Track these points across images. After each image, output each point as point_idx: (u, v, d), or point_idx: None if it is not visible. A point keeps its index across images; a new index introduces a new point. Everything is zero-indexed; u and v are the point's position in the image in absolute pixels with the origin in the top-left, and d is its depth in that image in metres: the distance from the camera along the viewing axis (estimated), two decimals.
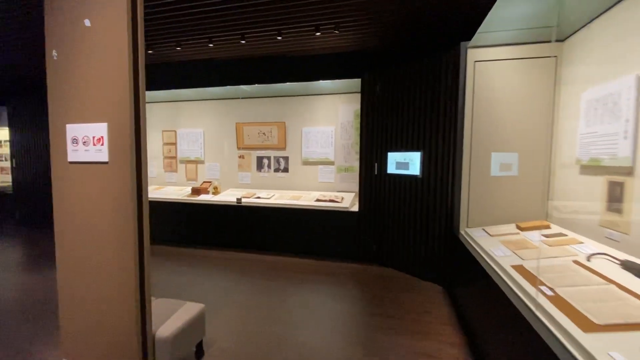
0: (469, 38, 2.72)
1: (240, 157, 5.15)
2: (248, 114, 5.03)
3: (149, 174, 5.66)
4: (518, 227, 2.55)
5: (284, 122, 4.85)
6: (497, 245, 2.25)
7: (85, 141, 1.56)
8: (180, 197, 4.75)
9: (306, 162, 4.84)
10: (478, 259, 2.21)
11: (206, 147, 5.35)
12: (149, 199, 4.70)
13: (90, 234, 1.67)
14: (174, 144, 5.50)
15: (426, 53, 3.35)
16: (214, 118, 5.25)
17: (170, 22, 3.85)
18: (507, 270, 1.81)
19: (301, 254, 4.16)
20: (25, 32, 4.07)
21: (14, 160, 5.77)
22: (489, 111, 2.78)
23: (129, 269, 1.60)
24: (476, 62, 2.78)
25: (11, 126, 5.75)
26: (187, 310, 1.95)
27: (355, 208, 4.02)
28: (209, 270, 3.69)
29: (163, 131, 5.54)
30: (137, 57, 1.56)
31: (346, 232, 3.98)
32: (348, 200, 4.20)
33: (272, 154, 5.00)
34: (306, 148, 4.79)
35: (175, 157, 5.53)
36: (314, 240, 4.11)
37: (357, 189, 4.24)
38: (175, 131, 5.47)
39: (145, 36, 4.46)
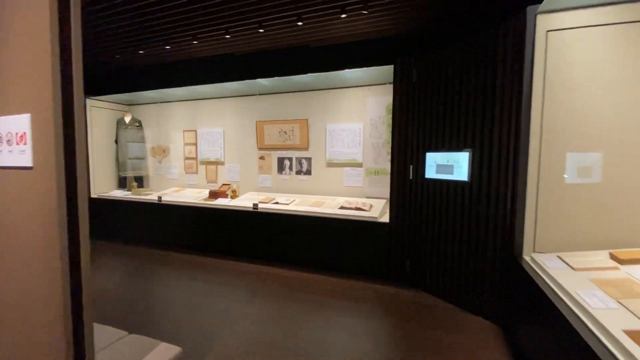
0: (539, 0, 2.03)
1: (260, 158, 4.75)
2: (269, 111, 4.62)
3: (171, 175, 5.47)
4: (614, 258, 1.82)
5: (307, 120, 4.36)
6: (586, 285, 1.57)
7: (9, 139, 1.18)
8: (196, 201, 4.45)
9: (331, 164, 4.31)
10: (559, 305, 1.54)
11: (226, 148, 5.03)
12: (167, 202, 4.46)
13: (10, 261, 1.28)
14: (195, 144, 5.25)
15: (477, 26, 2.67)
16: (234, 116, 4.91)
17: (185, 13, 3.54)
18: (618, 337, 1.15)
19: (321, 270, 3.64)
20: None
21: None
22: (565, 98, 2.07)
23: (55, 303, 1.18)
24: (549, 33, 2.08)
25: None
26: (158, 356, 1.52)
27: (386, 218, 3.42)
28: (217, 286, 3.30)
29: (184, 131, 5.32)
30: (67, 32, 1.13)
31: (374, 247, 3.39)
32: (377, 209, 3.60)
33: (294, 154, 4.54)
34: (331, 148, 4.27)
35: (195, 158, 5.28)
36: (336, 254, 3.57)
37: (388, 195, 3.65)
38: (195, 131, 5.22)
39: (161, 30, 4.23)
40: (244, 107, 4.82)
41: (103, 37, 4.42)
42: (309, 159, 4.44)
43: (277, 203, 4.06)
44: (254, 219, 3.95)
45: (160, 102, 5.52)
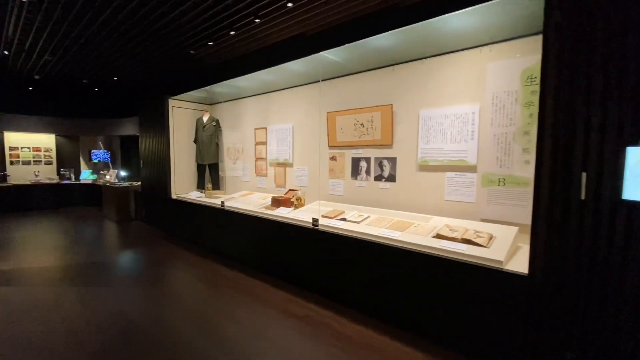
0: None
1: (331, 158, 3.74)
2: (342, 97, 3.57)
3: (245, 177, 5.00)
4: None
5: (390, 106, 3.13)
6: None
7: None
8: (254, 209, 3.75)
9: (425, 167, 2.97)
10: None
11: (295, 147, 4.21)
12: (229, 208, 3.90)
13: None
14: (265, 143, 4.62)
15: None
16: (303, 108, 4.05)
17: None
18: None
19: (397, 329, 2.37)
20: None
21: None
22: None
23: None
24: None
25: None
26: None
27: (521, 265, 1.93)
28: (249, 328, 2.43)
29: (255, 129, 4.76)
30: None
31: (496, 313, 1.94)
32: (504, 244, 2.13)
33: (373, 153, 3.36)
34: (425, 144, 2.93)
35: (265, 159, 4.65)
36: (424, 310, 2.24)
37: (526, 221, 2.16)
38: (265, 128, 4.59)
39: (223, 11, 3.67)
40: (313, 96, 3.90)
41: (175, 32, 4.21)
42: (392, 160, 3.19)
43: (344, 219, 2.97)
44: (313, 238, 2.96)
45: (235, 99, 5.13)
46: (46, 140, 8.52)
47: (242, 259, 3.90)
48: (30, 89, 7.66)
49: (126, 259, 4.22)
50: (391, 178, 3.20)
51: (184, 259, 4.16)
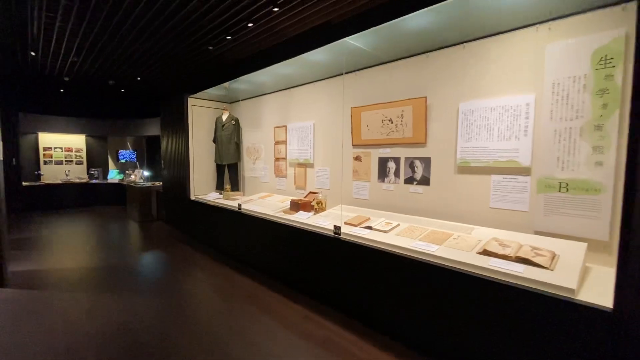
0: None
1: (355, 158, 3.40)
2: (368, 91, 3.22)
3: (264, 178, 4.77)
4: None
5: (424, 98, 2.74)
6: None
7: None
8: (271, 213, 3.48)
9: (465, 168, 2.56)
10: None
11: (316, 146, 3.91)
12: (245, 211, 3.67)
13: None
14: (284, 142, 4.35)
15: None
16: (325, 104, 3.73)
17: None
18: None
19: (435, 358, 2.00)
20: None
21: None
22: None
23: None
24: None
25: None
26: None
27: (599, 295, 1.52)
28: (258, 349, 2.14)
29: (275, 127, 4.50)
30: None
31: (567, 354, 1.52)
32: (572, 265, 1.71)
33: (403, 152, 2.98)
34: (466, 142, 2.52)
35: (285, 159, 4.38)
36: (472, 342, 1.85)
37: (596, 235, 1.74)
38: (285, 127, 4.32)
39: (241, 2, 3.41)
40: (336, 91, 3.57)
41: (192, 26, 4.04)
42: (425, 160, 2.80)
43: (369, 228, 2.62)
44: (335, 247, 2.63)
45: (254, 97, 4.91)
46: (77, 141, 8.77)
47: (258, 266, 3.64)
48: (62, 91, 7.89)
49: (141, 263, 4.10)
50: (424, 181, 2.81)
51: (199, 265, 3.97)
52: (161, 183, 6.39)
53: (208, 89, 4.68)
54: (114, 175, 8.90)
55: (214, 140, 5.18)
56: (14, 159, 7.07)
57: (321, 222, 2.94)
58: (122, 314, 2.65)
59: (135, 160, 9.41)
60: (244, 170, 5.25)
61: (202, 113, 5.20)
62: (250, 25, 3.80)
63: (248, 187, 5.18)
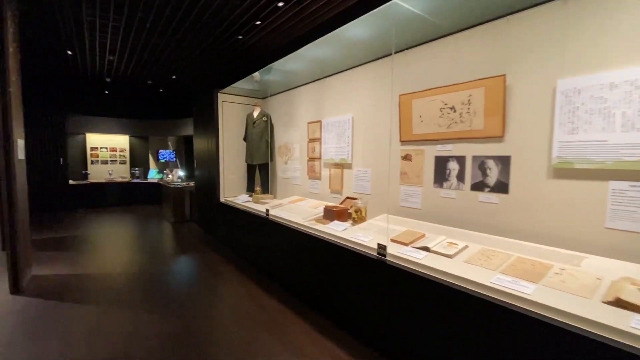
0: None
1: (404, 157, 2.77)
2: (422, 74, 2.58)
3: (296, 180, 4.30)
4: None
5: (502, 77, 2.05)
6: None
7: None
8: (301, 222, 2.97)
9: (565, 171, 1.83)
10: None
11: (355, 143, 3.33)
12: (273, 218, 3.16)
13: None
14: (318, 139, 3.83)
15: None
16: (367, 93, 3.14)
17: None
18: None
19: None
20: None
21: None
22: None
23: None
24: None
25: None
26: None
27: None
28: None
29: (308, 123, 4.00)
30: None
31: None
32: None
33: (470, 150, 2.30)
34: (568, 134, 1.80)
35: (319, 159, 3.86)
36: None
37: None
38: (320, 122, 3.80)
39: None
40: (380, 76, 2.97)
41: (222, 10, 3.67)
42: (503, 160, 2.10)
43: (425, 249, 1.99)
44: (379, 273, 2.04)
45: (286, 90, 4.45)
46: (121, 141, 9.04)
47: (286, 283, 3.16)
48: (107, 92, 8.11)
49: (162, 271, 3.81)
50: (500, 187, 2.11)
51: (222, 277, 3.59)
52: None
53: (239, 81, 4.30)
54: (153, 175, 9.04)
55: (245, 139, 4.82)
56: (61, 159, 7.36)
57: (361, 236, 2.37)
58: (126, 339, 2.29)
59: (175, 159, 9.51)
60: (275, 171, 4.82)
61: (232, 110, 4.86)
62: (281, 4, 3.33)
63: (280, 189, 4.74)
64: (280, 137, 4.63)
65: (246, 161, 4.83)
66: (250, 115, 4.72)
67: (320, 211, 3.21)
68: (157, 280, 3.43)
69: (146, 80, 7.05)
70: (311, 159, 3.99)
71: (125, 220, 6.73)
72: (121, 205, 8.41)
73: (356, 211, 2.86)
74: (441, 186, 2.49)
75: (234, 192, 4.93)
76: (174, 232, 5.75)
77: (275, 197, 4.52)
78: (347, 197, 3.27)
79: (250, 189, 4.87)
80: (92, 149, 8.64)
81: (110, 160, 8.91)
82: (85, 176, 8.39)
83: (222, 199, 4.80)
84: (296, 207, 3.63)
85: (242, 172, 5.02)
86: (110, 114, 8.59)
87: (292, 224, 3.04)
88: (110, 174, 8.62)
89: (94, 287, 3.19)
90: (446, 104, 2.40)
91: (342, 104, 3.45)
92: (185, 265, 4.00)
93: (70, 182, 7.77)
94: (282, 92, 4.53)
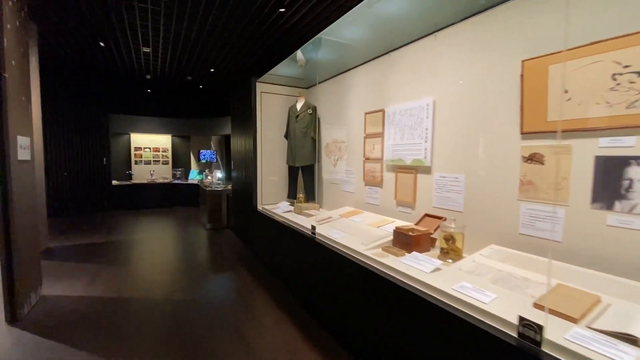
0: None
1: (528, 159, 1.76)
2: (567, 24, 1.56)
3: (347, 187, 3.44)
4: None
5: None
6: None
7: None
8: (364, 252, 2.08)
9: None
10: None
11: (436, 138, 2.37)
12: (320, 239, 2.39)
13: None
14: (380, 134, 2.92)
15: None
16: (459, 64, 2.16)
17: None
18: None
19: None
20: None
21: None
22: None
23: None
24: None
25: None
26: None
27: None
28: None
29: (366, 114, 3.11)
30: None
31: None
32: None
33: None
34: None
35: (380, 160, 2.95)
36: None
37: None
38: (382, 111, 2.89)
39: None
40: (483, 38, 1.98)
41: None
42: None
43: (630, 339, 0.99)
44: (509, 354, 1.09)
45: (337, 75, 3.60)
46: (164, 141, 8.88)
47: (337, 331, 2.29)
48: (149, 90, 7.94)
49: (185, 297, 3.16)
50: None
51: (253, 309, 2.83)
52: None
53: (280, 63, 3.54)
54: (194, 176, 8.75)
55: (286, 136, 4.07)
56: (104, 159, 7.26)
57: (471, 290, 1.42)
58: None
59: (215, 160, 9.16)
60: (322, 174, 4.00)
61: (273, 102, 4.13)
62: None
63: (327, 197, 3.90)
64: (329, 133, 3.79)
65: (287, 163, 4.07)
66: (292, 108, 3.95)
67: (385, 233, 2.31)
68: (180, 313, 2.78)
69: (186, 76, 6.66)
70: (369, 160, 3.09)
71: (160, 224, 6.38)
72: (161, 206, 8.20)
73: (447, 239, 1.91)
74: (609, 207, 1.46)
75: (273, 199, 4.20)
76: (208, 241, 5.20)
77: (321, 207, 3.69)
78: (427, 215, 2.33)
79: (291, 196, 4.11)
80: (136, 149, 8.56)
81: (153, 161, 8.78)
82: (130, 176, 8.32)
83: (259, 207, 4.09)
84: (350, 223, 2.76)
85: (282, 175, 4.28)
86: (154, 113, 8.45)
87: (348, 251, 2.18)
88: (151, 175, 8.47)
89: (104, 319, 2.61)
90: (626, 67, 1.37)
91: (417, 84, 2.51)
92: (214, 287, 3.34)
93: (114, 182, 7.69)
94: (331, 77, 3.69)
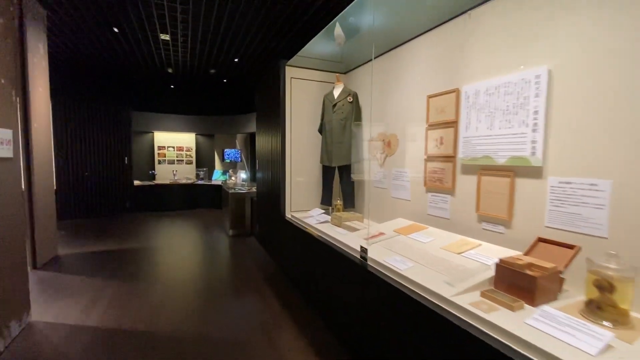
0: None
1: None
2: None
3: (398, 192, 2.71)
4: None
5: None
6: None
7: None
8: (449, 298, 1.35)
9: None
10: None
11: (552, 126, 1.58)
12: (378, 269, 1.70)
13: None
14: (453, 123, 2.17)
15: None
16: (602, 14, 1.37)
17: None
18: None
19: None
20: None
21: None
22: None
23: None
24: None
25: None
26: None
27: None
28: None
29: (429, 97, 2.36)
30: None
31: None
32: None
33: None
34: None
35: (451, 158, 2.19)
36: None
37: None
38: (456, 91, 2.13)
39: None
40: None
41: None
42: None
43: None
44: None
45: (387, 52, 2.87)
46: (187, 140, 8.53)
47: None
48: (172, 87, 7.58)
49: (199, 337, 2.56)
50: None
51: (285, 349, 2.17)
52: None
53: (314, 38, 2.87)
54: (218, 176, 8.32)
55: (320, 130, 3.40)
56: (126, 158, 6.95)
57: None
58: None
59: (240, 159, 8.69)
60: (362, 175, 3.29)
61: (305, 89, 3.48)
62: None
63: (371, 205, 3.19)
64: (374, 125, 3.07)
65: (321, 162, 3.39)
66: (329, 96, 3.28)
67: (473, 263, 1.57)
68: (188, 356, 2.18)
69: (209, 69, 6.19)
70: (433, 158, 2.35)
71: (180, 229, 5.93)
72: (184, 208, 7.83)
73: (602, 287, 1.14)
74: None
75: (304, 205, 3.55)
76: (229, 252, 4.64)
77: (364, 218, 2.97)
78: (540, 240, 1.56)
79: (326, 202, 3.43)
80: (160, 148, 8.25)
81: (177, 160, 8.45)
82: (152, 177, 8.01)
83: (287, 215, 3.45)
84: (414, 244, 2.03)
85: (315, 177, 3.61)
86: (178, 110, 8.10)
87: (424, 293, 1.45)
88: (174, 175, 8.12)
89: (93, 353, 2.06)
90: None
91: (516, 50, 1.74)
92: (234, 322, 2.72)
93: (136, 182, 7.39)
94: (378, 56, 2.96)
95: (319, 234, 2.61)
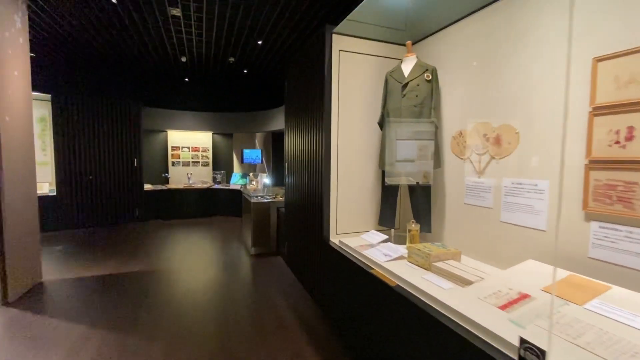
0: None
1: None
2: None
3: (508, 216, 1.71)
4: None
5: None
6: None
7: None
8: None
9: None
10: None
11: None
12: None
13: None
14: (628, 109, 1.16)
15: None
16: None
17: None
18: None
19: None
20: None
21: None
22: None
23: None
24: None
25: None
26: None
27: None
28: None
29: (597, 60, 1.36)
30: None
31: None
32: None
33: None
34: None
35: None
36: None
37: None
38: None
39: None
40: None
41: None
42: None
43: None
44: None
45: (486, 6, 1.88)
46: (204, 139, 7.78)
47: None
48: (187, 80, 6.83)
49: None
50: None
51: None
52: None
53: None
54: (237, 180, 7.51)
55: (381, 123, 2.45)
56: (135, 160, 6.23)
57: None
58: None
59: (261, 161, 7.86)
60: (444, 187, 2.32)
61: (357, 67, 2.53)
62: None
63: (460, 229, 2.21)
64: (465, 114, 2.10)
65: (380, 167, 2.45)
66: (394, 74, 2.33)
67: None
68: None
69: (227, 57, 5.37)
70: (611, 164, 1.35)
71: (194, 245, 5.12)
72: (199, 216, 7.05)
73: None
74: None
75: (355, 225, 2.61)
76: (251, 279, 3.77)
77: (456, 254, 1.98)
78: None
79: (386, 222, 2.48)
80: (173, 148, 7.53)
81: (193, 162, 7.71)
82: (166, 180, 7.29)
83: (332, 239, 2.51)
84: (614, 329, 1.04)
85: (369, 186, 2.65)
86: (193, 106, 7.35)
87: None
88: (188, 178, 7.36)
89: None
90: None
91: None
92: None
93: (146, 187, 6.66)
94: (471, 13, 1.98)
95: (398, 284, 1.66)
